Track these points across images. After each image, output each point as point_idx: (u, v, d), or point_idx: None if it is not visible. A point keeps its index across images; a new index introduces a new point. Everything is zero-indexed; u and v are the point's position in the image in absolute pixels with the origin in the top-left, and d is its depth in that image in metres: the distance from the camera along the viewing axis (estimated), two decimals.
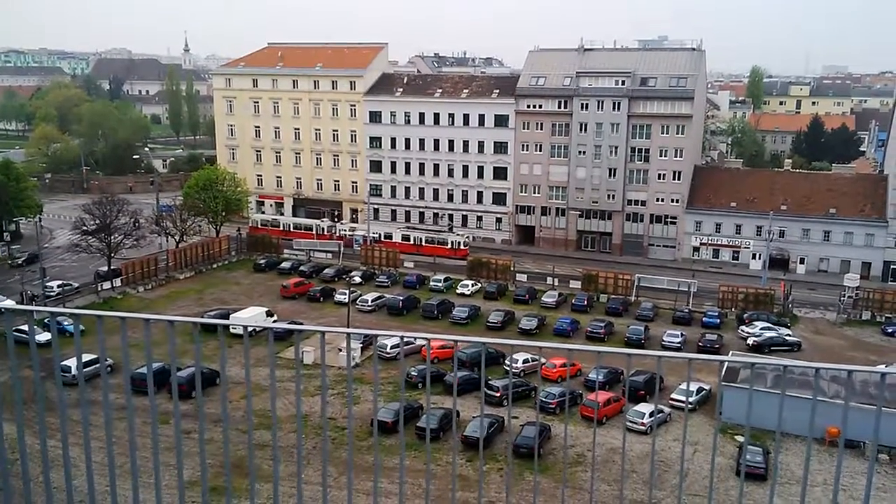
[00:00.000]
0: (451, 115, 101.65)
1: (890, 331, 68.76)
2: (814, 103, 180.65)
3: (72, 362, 46.89)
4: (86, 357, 44.19)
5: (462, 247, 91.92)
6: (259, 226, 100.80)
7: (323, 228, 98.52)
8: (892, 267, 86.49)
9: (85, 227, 75.27)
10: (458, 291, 77.33)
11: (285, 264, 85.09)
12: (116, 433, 6.34)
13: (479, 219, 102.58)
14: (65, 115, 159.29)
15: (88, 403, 6.47)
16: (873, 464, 6.18)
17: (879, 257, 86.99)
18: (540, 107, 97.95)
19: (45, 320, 47.82)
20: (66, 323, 46.85)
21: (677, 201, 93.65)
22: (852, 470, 41.02)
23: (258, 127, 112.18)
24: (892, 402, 41.22)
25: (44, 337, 48.35)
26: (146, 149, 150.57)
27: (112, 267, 75.52)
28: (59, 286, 71.18)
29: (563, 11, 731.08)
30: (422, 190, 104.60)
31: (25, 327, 5.95)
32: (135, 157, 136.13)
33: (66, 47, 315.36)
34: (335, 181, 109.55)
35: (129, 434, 6.15)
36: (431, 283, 79.21)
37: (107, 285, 73.76)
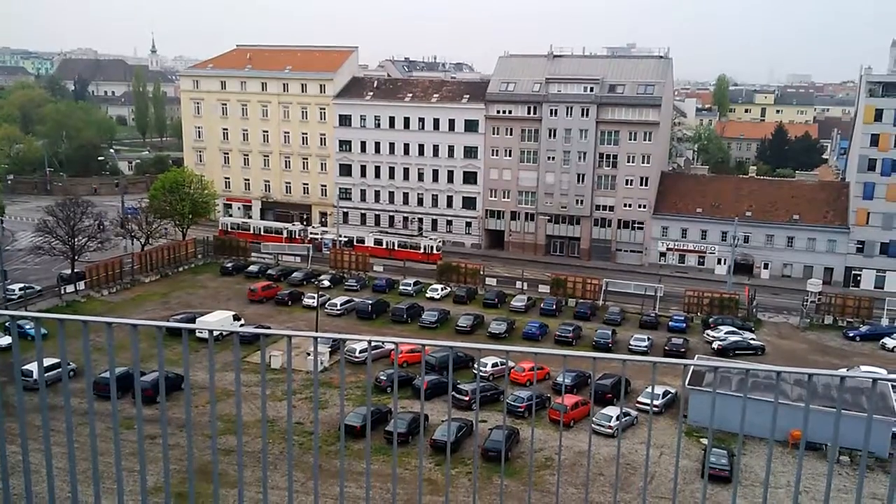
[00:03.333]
0: (422, 120, 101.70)
1: (851, 335, 70.07)
2: (778, 111, 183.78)
3: (34, 366, 46.13)
4: (48, 361, 43.44)
5: (435, 251, 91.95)
6: (228, 229, 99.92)
7: (295, 232, 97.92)
8: (853, 272, 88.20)
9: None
10: (427, 295, 77.31)
11: (253, 268, 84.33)
12: (79, 439, 6.25)
13: (449, 223, 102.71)
14: (28, 116, 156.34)
15: (50, 409, 6.36)
16: (832, 465, 6.30)
17: (841, 263, 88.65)
18: (509, 112, 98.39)
19: (6, 324, 47.01)
20: (27, 326, 46.06)
21: (644, 207, 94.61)
22: (814, 472, 41.73)
23: (226, 129, 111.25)
24: (852, 405, 42.09)
25: (5, 341, 47.52)
26: (111, 150, 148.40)
27: (76, 270, 74.31)
28: (20, 289, 69.86)
29: (532, 18, 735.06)
30: (392, 194, 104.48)
31: None
32: (100, 158, 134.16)
33: (29, 47, 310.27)
34: (304, 184, 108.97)
35: (91, 439, 6.06)
36: (401, 287, 79.07)
37: (70, 288, 72.59)
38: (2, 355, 53.03)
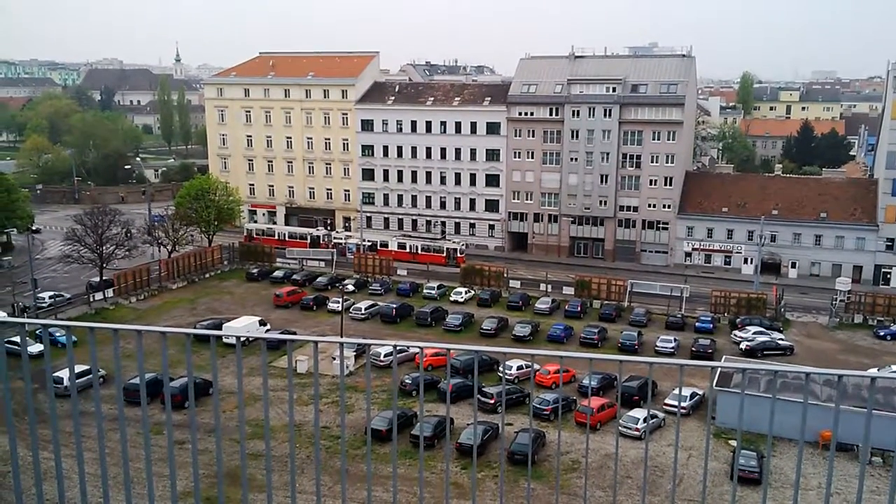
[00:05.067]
0: (444, 123, 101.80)
1: (882, 334, 69.01)
2: (804, 108, 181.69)
3: (64, 373, 46.78)
4: (78, 368, 44.04)
5: (458, 254, 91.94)
6: (253, 235, 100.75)
7: (319, 237, 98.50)
8: (882, 270, 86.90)
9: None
10: (451, 299, 77.30)
11: (278, 273, 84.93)
12: (109, 444, 6.33)
13: (472, 226, 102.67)
14: (56, 126, 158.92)
15: (80, 415, 6.45)
16: (864, 467, 6.22)
17: (870, 261, 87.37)
18: (531, 114, 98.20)
19: (38, 332, 47.69)
20: (58, 334, 46.72)
21: (669, 207, 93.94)
22: (846, 473, 41.14)
23: (250, 136, 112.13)
24: (882, 405, 41.49)
25: (36, 348, 48.23)
26: (138, 159, 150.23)
27: (104, 277, 75.22)
28: (50, 297, 70.87)
29: (553, 19, 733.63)
30: (414, 198, 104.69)
31: (17, 339, 5.96)
32: (126, 167, 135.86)
33: (56, 58, 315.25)
34: (327, 189, 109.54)
35: (122, 445, 6.14)
36: (425, 291, 79.18)
37: (99, 296, 73.46)
38: (33, 362, 53.87)
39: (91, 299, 72.70)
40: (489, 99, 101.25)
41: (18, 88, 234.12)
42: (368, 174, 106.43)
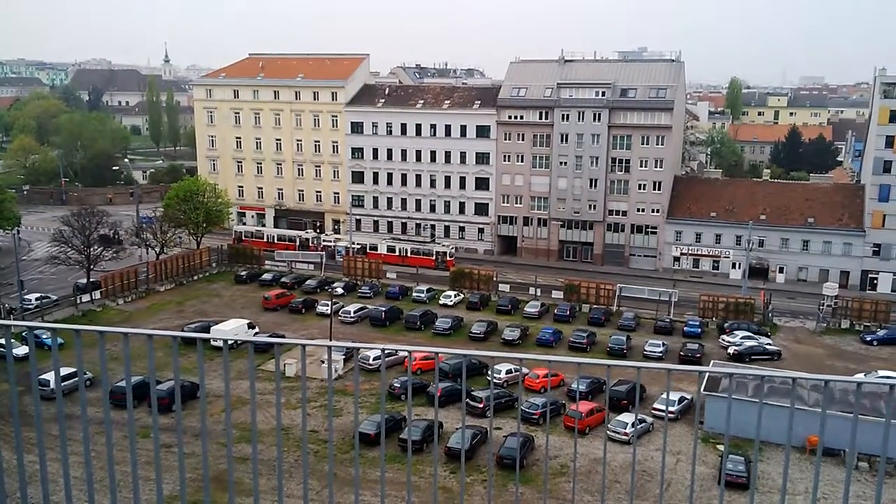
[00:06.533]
0: (433, 126, 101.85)
1: (868, 339, 69.46)
2: (791, 114, 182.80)
3: (50, 376, 46.47)
4: (64, 371, 43.75)
5: (448, 258, 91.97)
6: (242, 237, 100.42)
7: (308, 240, 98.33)
8: (869, 276, 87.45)
9: None
10: (440, 302, 77.27)
11: (267, 276, 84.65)
12: (95, 448, 6.28)
13: (462, 229, 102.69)
14: (43, 127, 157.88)
15: (66, 418, 6.40)
16: (850, 472, 6.24)
17: (857, 266, 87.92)
18: (521, 117, 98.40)
19: (23, 334, 47.39)
20: (44, 336, 46.40)
21: (658, 211, 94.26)
22: (832, 478, 41.36)
23: (239, 138, 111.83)
24: (869, 411, 41.70)
25: (22, 351, 47.88)
26: (126, 160, 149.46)
27: (91, 279, 74.79)
28: (37, 299, 70.40)
29: (543, 23, 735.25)
30: (404, 200, 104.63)
31: (2, 341, 5.90)
32: (114, 168, 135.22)
33: (44, 58, 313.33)
34: (317, 192, 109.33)
35: (108, 448, 6.09)
36: (414, 294, 79.13)
37: (86, 298, 73.05)
38: (18, 365, 53.49)
39: (78, 301, 72.29)
40: (479, 102, 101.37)
41: (5, 88, 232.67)
42: (358, 177, 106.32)
